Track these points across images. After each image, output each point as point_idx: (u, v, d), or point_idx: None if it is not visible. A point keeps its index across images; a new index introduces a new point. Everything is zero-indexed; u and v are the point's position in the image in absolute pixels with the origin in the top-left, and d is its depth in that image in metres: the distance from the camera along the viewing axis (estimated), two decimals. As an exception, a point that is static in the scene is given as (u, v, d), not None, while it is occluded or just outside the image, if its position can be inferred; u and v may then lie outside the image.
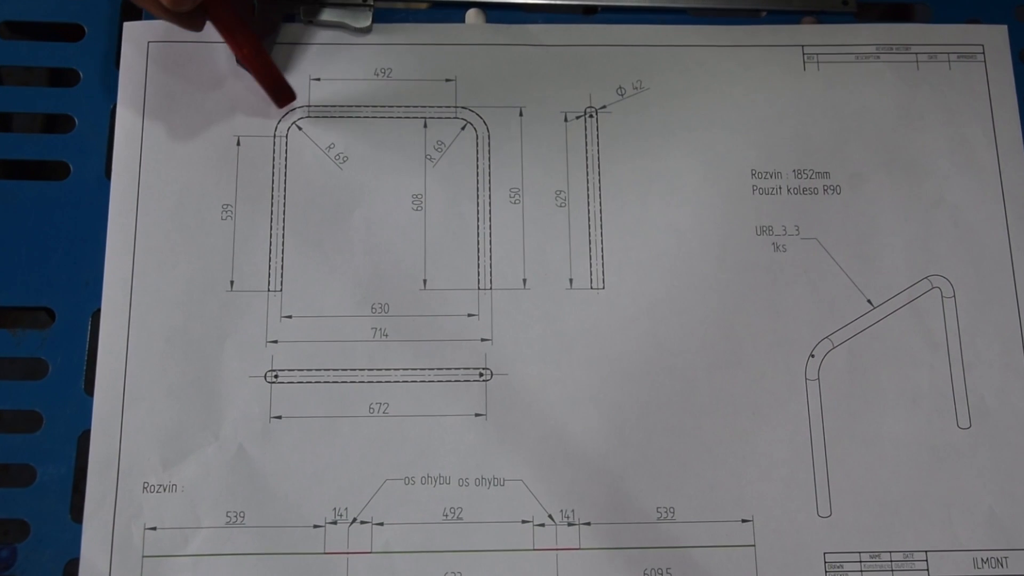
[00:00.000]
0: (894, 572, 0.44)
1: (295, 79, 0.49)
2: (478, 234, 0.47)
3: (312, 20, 0.49)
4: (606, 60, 0.50)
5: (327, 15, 0.49)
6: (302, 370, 0.45)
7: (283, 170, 0.48)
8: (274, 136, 0.48)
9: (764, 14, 0.51)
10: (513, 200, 0.48)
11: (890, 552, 0.44)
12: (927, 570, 0.44)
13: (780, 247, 0.48)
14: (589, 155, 0.48)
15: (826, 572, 0.44)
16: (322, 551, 0.44)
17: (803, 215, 0.48)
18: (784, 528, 0.44)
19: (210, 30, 0.47)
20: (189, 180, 0.47)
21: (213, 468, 0.44)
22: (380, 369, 0.46)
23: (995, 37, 0.51)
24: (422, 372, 0.46)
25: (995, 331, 0.47)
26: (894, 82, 0.50)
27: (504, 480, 0.45)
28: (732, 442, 0.45)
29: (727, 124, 0.49)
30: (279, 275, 0.46)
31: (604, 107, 0.49)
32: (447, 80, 0.49)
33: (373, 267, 0.47)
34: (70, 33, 0.49)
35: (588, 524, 0.44)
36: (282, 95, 0.47)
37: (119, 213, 0.47)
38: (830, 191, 0.48)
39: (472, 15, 0.50)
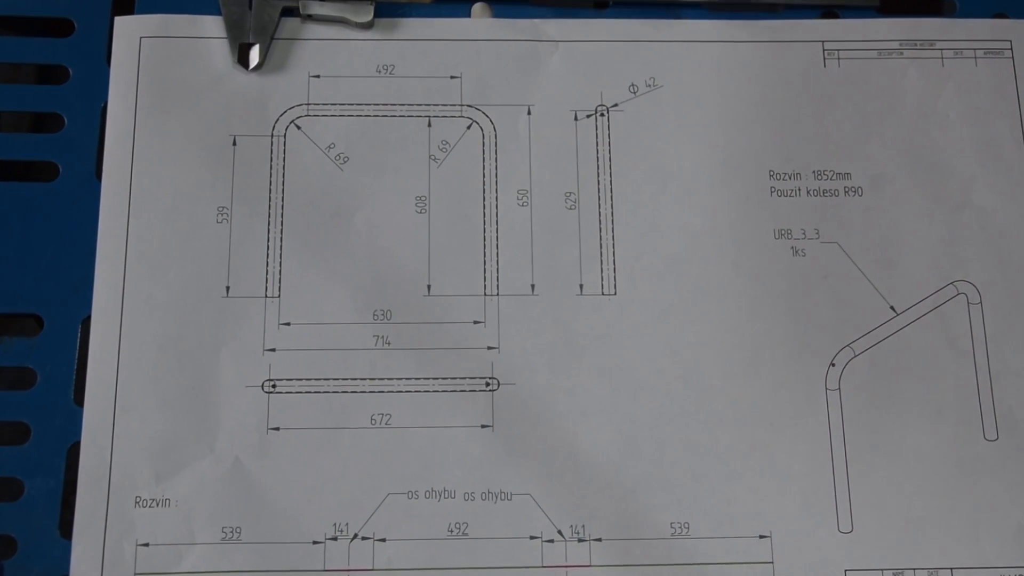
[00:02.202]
0: (919, 590, 0.44)
1: (294, 76, 0.49)
2: (484, 238, 0.47)
3: (312, 15, 0.49)
4: (618, 56, 0.49)
5: (327, 10, 0.49)
6: (301, 379, 0.45)
7: (281, 171, 0.47)
8: (272, 135, 0.48)
9: (783, 9, 0.51)
10: (521, 202, 0.48)
11: (914, 569, 0.44)
12: (953, 587, 0.44)
13: (799, 251, 0.47)
14: (600, 155, 0.48)
15: (848, 590, 0.44)
16: (322, 568, 0.43)
17: (823, 218, 0.48)
18: (804, 544, 0.44)
19: (207, 26, 0.47)
20: (183, 181, 0.47)
21: (208, 482, 0.44)
22: (382, 378, 0.45)
23: (1023, 32, 0.51)
24: (426, 381, 0.45)
25: (1024, 339, 0.47)
26: (918, 79, 0.50)
27: (511, 494, 0.44)
28: (749, 454, 0.45)
29: (744, 123, 0.49)
30: (277, 280, 0.46)
31: (616, 105, 0.49)
32: (452, 77, 0.49)
33: (375, 272, 0.46)
34: (59, 28, 0.49)
35: (599, 540, 0.44)
36: None
37: (110, 216, 0.46)
38: (851, 193, 0.48)
39: (478, 9, 0.50)
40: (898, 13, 0.51)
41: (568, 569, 0.44)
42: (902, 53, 0.50)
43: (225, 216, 0.47)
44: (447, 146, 0.48)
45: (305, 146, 0.48)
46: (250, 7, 0.49)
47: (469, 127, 0.48)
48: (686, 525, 0.44)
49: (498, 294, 0.47)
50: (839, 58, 0.50)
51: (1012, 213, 0.48)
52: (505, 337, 0.46)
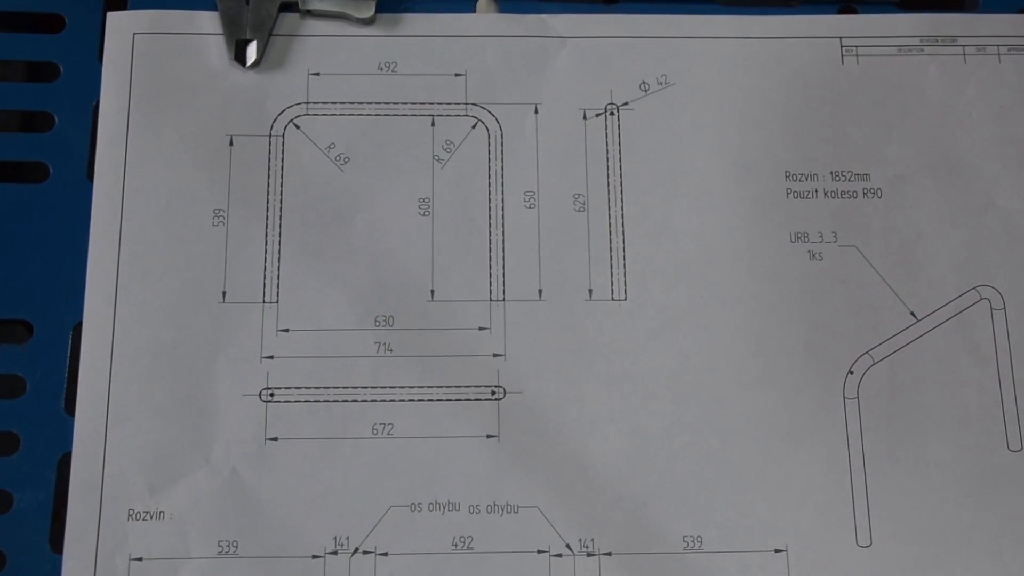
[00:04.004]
0: (940, 607, 0.44)
1: (292, 74, 0.48)
2: (490, 241, 0.47)
3: (311, 10, 0.49)
4: (628, 53, 0.49)
5: (327, 5, 0.49)
6: (300, 388, 0.45)
7: (279, 172, 0.47)
8: (270, 135, 0.48)
9: (799, 3, 0.51)
10: (528, 204, 0.48)
11: (935, 584, 0.44)
12: (976, 604, 0.44)
13: (816, 255, 0.47)
14: (610, 156, 0.48)
15: (867, 606, 0.44)
16: (322, 584, 0.43)
17: (841, 220, 0.48)
18: (820, 559, 0.44)
19: (202, 21, 0.47)
20: (178, 183, 0.47)
21: (204, 494, 0.44)
22: (384, 387, 0.45)
23: (1049, 28, 0.50)
24: (429, 390, 0.45)
25: (1049, 346, 0.47)
26: (939, 77, 0.50)
27: (518, 507, 0.44)
28: (764, 466, 0.45)
29: (759, 122, 0.49)
30: (275, 285, 0.46)
31: (626, 104, 0.49)
32: (456, 75, 0.49)
33: (376, 277, 0.46)
34: (49, 24, 0.49)
35: (609, 554, 0.44)
36: None
37: (102, 218, 0.46)
38: (870, 194, 0.48)
39: (484, 4, 0.50)
40: (919, 8, 0.51)
41: (577, 584, 0.44)
42: (923, 50, 0.50)
43: (221, 219, 0.47)
44: (451, 146, 0.48)
45: (304, 146, 0.48)
46: (247, 2, 0.49)
47: (474, 126, 0.48)
48: (699, 539, 0.44)
49: (504, 299, 0.46)
50: (857, 55, 0.50)
51: (1037, 216, 0.48)
52: (511, 344, 0.46)
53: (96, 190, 0.47)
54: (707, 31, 0.50)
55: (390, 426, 0.45)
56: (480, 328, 0.46)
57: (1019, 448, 0.45)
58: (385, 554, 0.44)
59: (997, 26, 0.50)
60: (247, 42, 0.48)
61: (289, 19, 0.49)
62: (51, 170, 0.47)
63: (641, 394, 0.46)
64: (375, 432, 0.45)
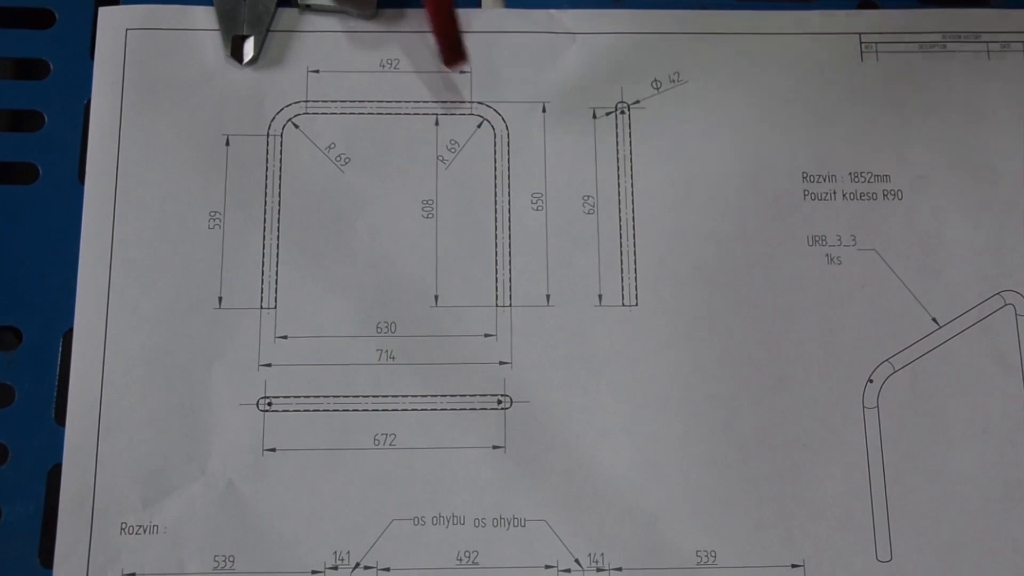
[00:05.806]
0: (963, 624, 0.44)
1: (291, 72, 0.48)
2: (496, 244, 0.47)
3: (310, 5, 0.49)
4: (640, 49, 0.49)
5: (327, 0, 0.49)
6: (299, 397, 0.45)
7: (278, 173, 0.47)
8: (267, 135, 0.48)
9: (816, -2, 0.51)
10: (535, 206, 0.47)
11: (957, 600, 0.44)
12: (1000, 622, 0.44)
13: (834, 259, 0.47)
14: (620, 156, 0.48)
15: (887, 624, 0.44)
16: (321, 600, 0.43)
17: (860, 223, 0.47)
18: (839, 574, 0.44)
19: (198, 17, 0.47)
20: (172, 184, 0.47)
21: (199, 507, 0.44)
22: (386, 396, 0.45)
23: (1075, 24, 0.50)
24: (433, 399, 0.45)
25: (1076, 353, 0.46)
26: (962, 74, 0.49)
27: (525, 520, 0.44)
28: (781, 478, 0.45)
29: (775, 121, 0.49)
30: (273, 291, 0.46)
31: (637, 102, 0.49)
32: (461, 72, 0.49)
33: (378, 281, 0.46)
34: (39, 19, 0.49)
35: (619, 570, 0.44)
36: (456, 54, 0.46)
37: (94, 221, 0.46)
38: (890, 196, 0.48)
39: (489, -1, 0.50)
40: (941, 3, 0.51)
41: (586, 600, 0.44)
42: (945, 46, 0.50)
43: (217, 221, 0.47)
44: (456, 146, 0.48)
45: (303, 146, 0.48)
46: (245, -2, 0.49)
47: (479, 126, 0.48)
48: (713, 553, 0.44)
49: (511, 305, 0.46)
50: (877, 51, 0.50)
51: (1063, 218, 0.48)
52: (518, 351, 0.46)
53: (87, 192, 0.47)
54: (721, 27, 0.50)
55: (392, 436, 0.45)
56: (486, 335, 0.46)
57: (1045, 459, 0.45)
58: (387, 569, 0.43)
59: (1022, 22, 0.50)
60: (244, 38, 0.48)
61: (288, 14, 0.49)
62: (41, 171, 0.47)
63: (652, 403, 0.45)
64: (377, 443, 0.45)
